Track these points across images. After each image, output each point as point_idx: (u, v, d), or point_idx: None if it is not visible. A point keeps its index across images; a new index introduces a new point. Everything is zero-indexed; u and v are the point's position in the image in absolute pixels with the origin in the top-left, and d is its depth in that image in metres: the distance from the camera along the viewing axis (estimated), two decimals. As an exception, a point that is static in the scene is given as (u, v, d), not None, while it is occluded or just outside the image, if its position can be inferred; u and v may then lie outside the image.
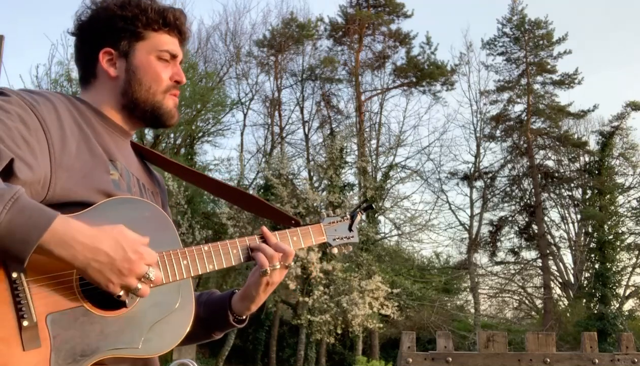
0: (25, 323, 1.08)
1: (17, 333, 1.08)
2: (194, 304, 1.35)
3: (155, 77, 1.43)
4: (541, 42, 26.14)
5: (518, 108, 26.34)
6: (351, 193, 20.75)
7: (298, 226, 1.58)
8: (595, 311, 21.82)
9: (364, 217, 1.70)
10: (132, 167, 1.44)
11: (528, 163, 25.70)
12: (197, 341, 1.60)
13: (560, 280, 25.27)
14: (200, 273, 1.36)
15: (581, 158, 25.68)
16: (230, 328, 1.58)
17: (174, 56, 1.47)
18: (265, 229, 1.51)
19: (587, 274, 24.13)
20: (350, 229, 1.68)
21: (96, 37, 1.43)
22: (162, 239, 1.32)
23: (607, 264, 22.59)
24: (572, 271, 24.90)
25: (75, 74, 18.56)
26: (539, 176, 25.47)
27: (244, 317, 1.57)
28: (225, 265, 1.41)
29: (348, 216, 1.69)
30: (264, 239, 1.49)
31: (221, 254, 1.41)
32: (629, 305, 24.10)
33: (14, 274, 1.09)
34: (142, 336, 1.23)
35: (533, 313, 26.16)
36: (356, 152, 23.29)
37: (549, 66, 26.02)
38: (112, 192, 1.30)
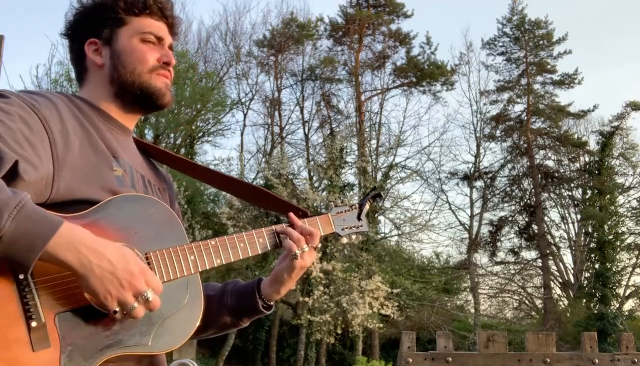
0: (33, 324, 1.09)
1: (26, 334, 1.08)
2: (203, 299, 1.35)
3: (139, 57, 1.43)
4: (541, 42, 26.14)
5: (518, 108, 26.39)
6: (351, 193, 20.74)
7: (305, 217, 1.58)
8: (595, 311, 21.82)
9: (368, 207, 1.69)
10: (136, 164, 1.45)
11: (528, 163, 25.70)
12: (226, 330, 1.61)
13: (560, 280, 25.27)
14: (207, 267, 1.36)
15: (581, 158, 25.69)
16: (258, 315, 1.59)
17: (159, 39, 1.46)
18: (292, 215, 1.54)
19: (587, 274, 24.12)
20: (359, 218, 1.67)
21: (81, 31, 1.45)
22: (169, 235, 1.32)
23: (607, 264, 22.59)
24: (572, 271, 24.90)
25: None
26: (539, 176, 25.47)
27: (272, 303, 1.59)
28: (233, 259, 1.41)
29: (357, 205, 1.68)
30: (290, 224, 1.52)
31: (228, 248, 1.41)
32: (629, 305, 24.14)
33: (21, 276, 1.09)
34: (151, 333, 1.24)
35: (533, 313, 26.16)
36: (356, 152, 23.30)
37: (549, 66, 26.03)
38: (116, 188, 1.29)
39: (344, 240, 1.66)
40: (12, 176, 1.11)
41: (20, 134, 1.15)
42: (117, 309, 1.14)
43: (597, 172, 24.34)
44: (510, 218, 26.11)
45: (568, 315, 23.25)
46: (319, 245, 1.55)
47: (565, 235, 26.05)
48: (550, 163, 26.32)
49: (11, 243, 1.02)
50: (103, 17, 1.43)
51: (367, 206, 1.67)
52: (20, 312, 1.08)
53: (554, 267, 25.38)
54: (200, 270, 1.35)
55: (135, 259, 1.17)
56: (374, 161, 23.88)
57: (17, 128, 1.15)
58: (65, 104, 1.32)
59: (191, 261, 1.32)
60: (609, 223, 23.65)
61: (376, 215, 21.37)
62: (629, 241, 24.32)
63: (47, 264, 1.10)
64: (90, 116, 1.37)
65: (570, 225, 25.87)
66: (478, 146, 25.59)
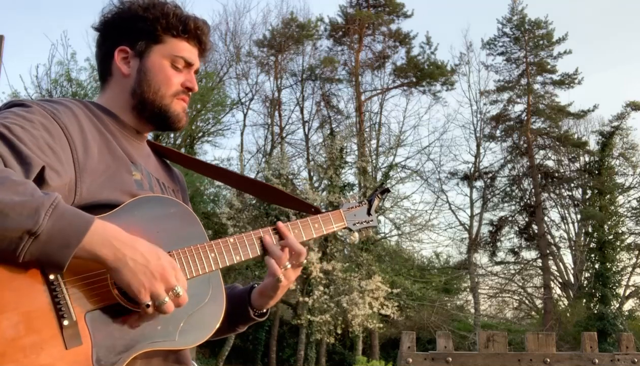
0: (65, 322, 1.12)
1: (59, 332, 1.12)
2: (225, 295, 1.40)
3: (165, 80, 1.44)
4: (541, 42, 26.16)
5: (518, 108, 26.42)
6: (351, 193, 20.74)
7: (318, 214, 1.62)
8: (595, 311, 21.83)
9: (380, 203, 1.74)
10: (150, 168, 1.49)
11: (528, 163, 25.71)
12: (222, 335, 1.62)
13: (560, 280, 25.27)
14: (227, 264, 1.40)
15: (581, 158, 25.70)
16: (252, 322, 1.61)
17: (189, 64, 1.48)
18: (280, 224, 1.52)
19: (587, 274, 24.13)
20: (369, 213, 1.72)
21: (115, 34, 1.46)
22: (189, 233, 1.37)
23: (607, 264, 22.60)
24: (572, 271, 24.91)
25: (75, 74, 18.54)
26: (539, 176, 25.48)
27: (265, 311, 1.61)
28: (251, 255, 1.46)
29: (366, 201, 1.73)
30: (276, 231, 1.50)
31: (246, 245, 1.46)
32: (629, 304, 24.16)
33: (52, 277, 1.13)
34: (178, 328, 1.28)
35: (533, 313, 26.17)
36: (356, 152, 23.31)
37: (549, 66, 26.04)
38: (136, 192, 1.34)
39: (356, 235, 1.70)
40: (38, 181, 1.16)
41: (43, 142, 1.19)
42: (149, 303, 1.18)
43: (597, 172, 24.35)
44: (510, 218, 26.12)
45: (568, 315, 23.26)
46: (313, 243, 1.56)
47: (565, 235, 26.10)
48: (550, 163, 26.38)
49: (48, 240, 1.06)
50: (141, 29, 1.43)
51: (376, 202, 1.72)
52: (52, 311, 1.12)
53: (554, 267, 25.39)
54: (220, 267, 1.39)
55: (166, 256, 1.21)
56: (374, 161, 23.90)
57: (40, 136, 1.20)
58: (83, 112, 1.36)
59: (212, 258, 1.37)
60: (609, 223, 23.66)
61: (376, 215, 21.37)
62: (629, 241, 24.36)
63: (76, 263, 1.13)
64: (106, 123, 1.40)
65: (570, 225, 25.92)
66: (478, 146, 25.62)
